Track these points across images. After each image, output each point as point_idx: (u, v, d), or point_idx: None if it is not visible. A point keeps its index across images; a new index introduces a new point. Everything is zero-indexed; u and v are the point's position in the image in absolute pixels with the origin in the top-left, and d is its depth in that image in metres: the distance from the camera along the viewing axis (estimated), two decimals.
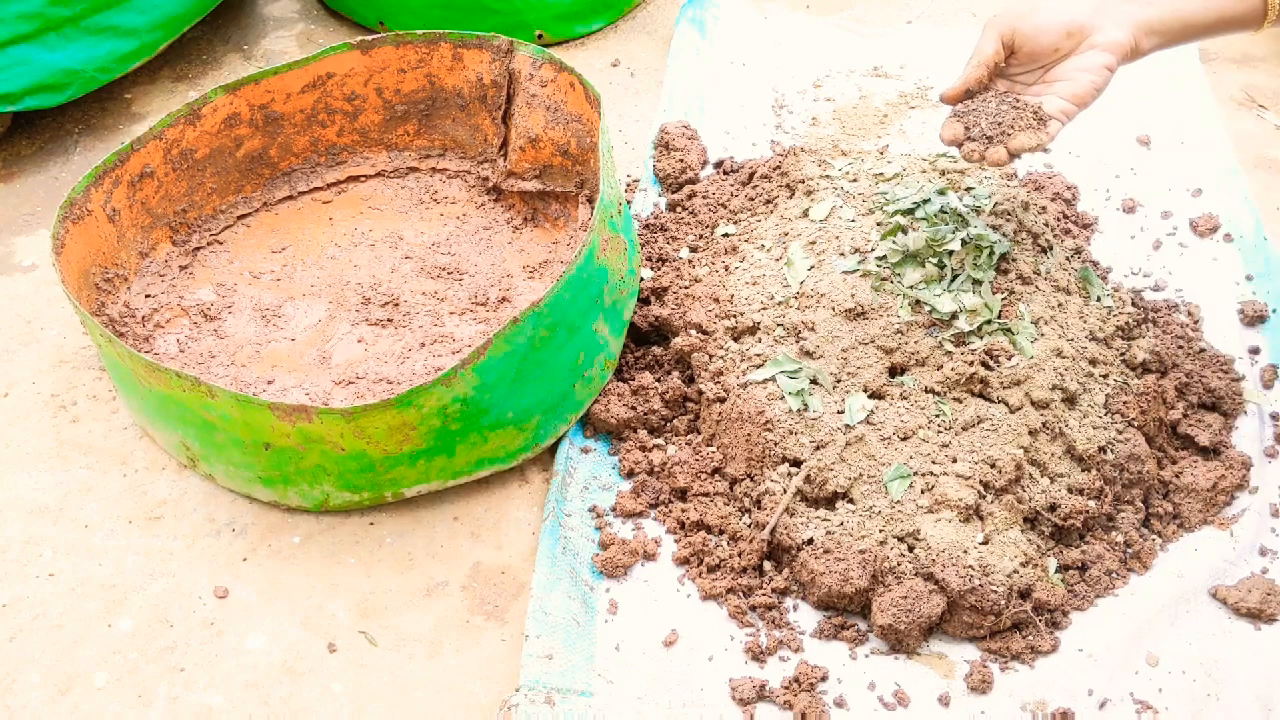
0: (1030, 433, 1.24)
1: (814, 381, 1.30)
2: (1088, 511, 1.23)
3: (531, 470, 1.37)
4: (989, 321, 1.29)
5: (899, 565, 1.17)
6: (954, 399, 1.27)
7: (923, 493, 1.21)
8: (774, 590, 1.22)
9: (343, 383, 1.41)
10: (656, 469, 1.34)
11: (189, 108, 1.54)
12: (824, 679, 1.14)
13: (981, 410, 1.25)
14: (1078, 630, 1.18)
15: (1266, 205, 1.66)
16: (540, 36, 2.02)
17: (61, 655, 1.20)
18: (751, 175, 1.66)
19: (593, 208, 1.42)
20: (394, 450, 1.24)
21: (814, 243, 1.41)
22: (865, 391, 1.29)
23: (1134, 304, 1.46)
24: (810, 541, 1.21)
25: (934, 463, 1.23)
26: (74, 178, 1.80)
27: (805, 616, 1.20)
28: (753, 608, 1.21)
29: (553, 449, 1.37)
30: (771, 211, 1.54)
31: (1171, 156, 1.72)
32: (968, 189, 1.41)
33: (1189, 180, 1.67)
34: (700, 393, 1.37)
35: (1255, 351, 1.44)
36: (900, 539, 1.19)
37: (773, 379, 1.31)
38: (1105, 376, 1.33)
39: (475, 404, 1.24)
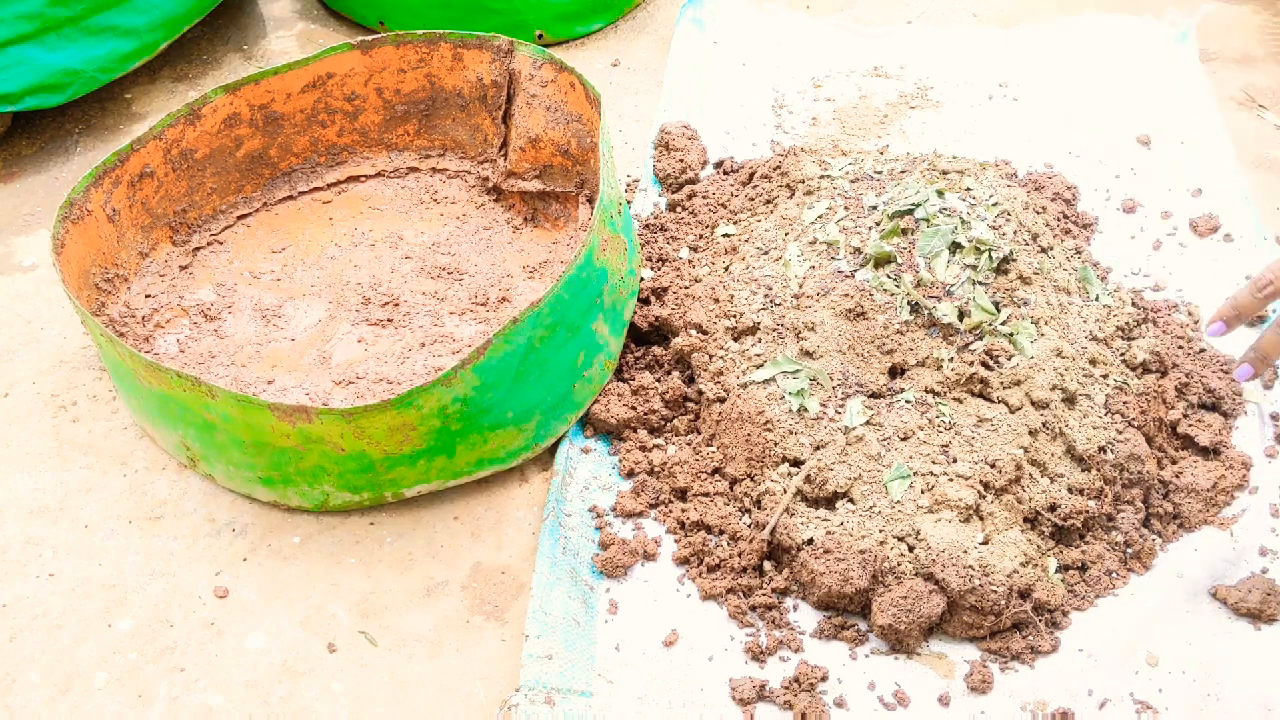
0: (1030, 433, 1.24)
1: (814, 381, 1.30)
2: (1088, 511, 1.23)
3: (531, 470, 1.37)
4: (989, 322, 1.29)
5: (899, 565, 1.17)
6: (954, 399, 1.27)
7: (923, 493, 1.21)
8: (774, 590, 1.22)
9: (343, 383, 1.41)
10: (656, 469, 1.34)
11: (189, 108, 1.54)
12: (824, 679, 1.14)
13: (981, 410, 1.25)
14: (1078, 630, 1.18)
15: (1266, 205, 1.65)
16: (540, 36, 2.02)
17: (61, 655, 1.20)
18: (751, 175, 1.66)
19: (593, 208, 1.42)
20: (394, 450, 1.24)
21: (814, 243, 1.41)
22: (865, 392, 1.29)
23: (1134, 304, 1.46)
24: (810, 541, 1.21)
25: (934, 463, 1.23)
26: (74, 178, 1.80)
27: (805, 616, 1.20)
28: (753, 608, 1.21)
29: (553, 449, 1.37)
30: (771, 211, 1.54)
31: (1171, 156, 1.72)
32: (967, 189, 1.41)
33: (1189, 180, 1.67)
34: (700, 393, 1.37)
35: None
36: (900, 539, 1.19)
37: (773, 379, 1.31)
38: (1105, 376, 1.33)
39: (475, 404, 1.24)
